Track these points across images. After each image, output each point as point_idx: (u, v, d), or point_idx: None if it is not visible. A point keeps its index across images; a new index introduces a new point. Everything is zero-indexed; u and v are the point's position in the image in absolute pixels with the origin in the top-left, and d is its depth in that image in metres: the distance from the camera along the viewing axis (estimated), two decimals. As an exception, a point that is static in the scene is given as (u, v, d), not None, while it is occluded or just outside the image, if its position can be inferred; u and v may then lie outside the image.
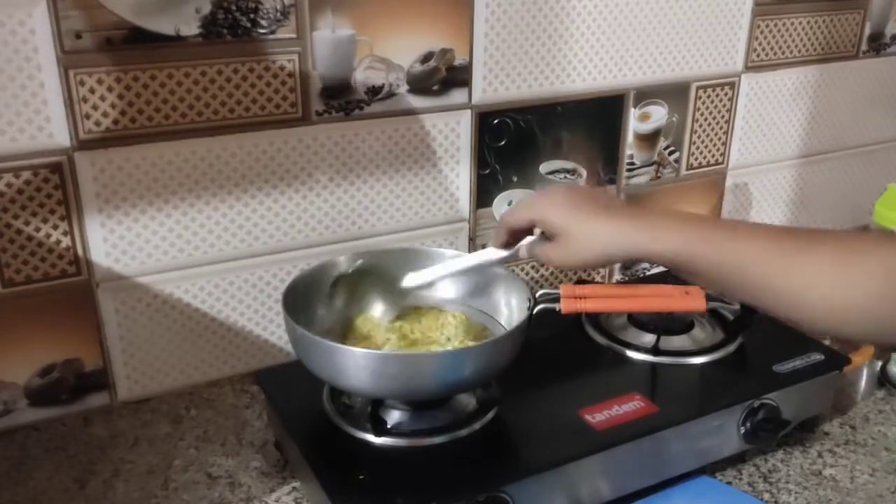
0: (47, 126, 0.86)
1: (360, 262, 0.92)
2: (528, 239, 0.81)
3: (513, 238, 0.81)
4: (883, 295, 0.58)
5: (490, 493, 0.74)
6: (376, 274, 0.93)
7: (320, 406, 0.86)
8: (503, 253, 0.83)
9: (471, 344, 0.86)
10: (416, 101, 1.05)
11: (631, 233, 0.71)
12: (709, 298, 0.86)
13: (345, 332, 0.91)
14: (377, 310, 0.93)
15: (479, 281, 0.93)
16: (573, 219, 0.74)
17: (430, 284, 0.90)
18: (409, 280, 0.90)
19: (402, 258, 0.94)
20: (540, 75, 1.12)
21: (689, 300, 0.86)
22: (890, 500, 0.86)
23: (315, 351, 0.79)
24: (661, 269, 1.33)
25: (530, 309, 0.82)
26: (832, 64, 1.40)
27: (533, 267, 1.23)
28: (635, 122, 1.23)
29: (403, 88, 1.03)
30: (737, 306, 0.99)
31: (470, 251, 1.13)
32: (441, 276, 0.89)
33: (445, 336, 0.89)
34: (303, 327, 0.79)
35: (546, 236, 0.78)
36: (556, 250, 0.75)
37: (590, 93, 1.17)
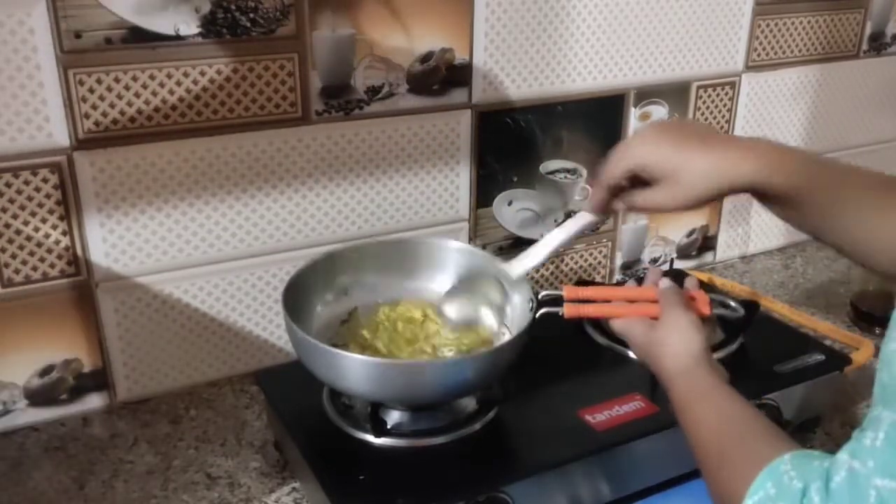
0: (46, 126, 0.86)
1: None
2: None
3: (611, 196, 0.76)
4: None
5: (490, 493, 0.74)
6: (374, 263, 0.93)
7: (320, 406, 0.86)
8: (594, 217, 0.79)
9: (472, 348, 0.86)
10: (416, 101, 1.05)
11: (742, 163, 0.67)
12: (712, 304, 0.86)
13: (346, 327, 0.90)
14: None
15: (489, 274, 0.93)
16: (680, 158, 0.69)
17: (540, 265, 0.85)
18: (516, 267, 0.85)
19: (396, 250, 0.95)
20: (540, 75, 1.12)
21: (692, 306, 0.85)
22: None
23: (315, 355, 0.79)
24: (660, 269, 1.33)
25: (533, 311, 0.82)
26: (833, 63, 1.40)
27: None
28: (636, 122, 1.23)
29: (403, 88, 1.03)
30: (740, 312, 0.98)
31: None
32: (547, 255, 0.83)
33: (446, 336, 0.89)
34: (303, 324, 0.79)
35: (642, 182, 0.73)
36: (664, 194, 0.70)
37: (590, 92, 1.17)
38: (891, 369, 0.52)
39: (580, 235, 0.83)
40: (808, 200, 0.68)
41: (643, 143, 0.72)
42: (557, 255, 1.24)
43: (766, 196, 0.69)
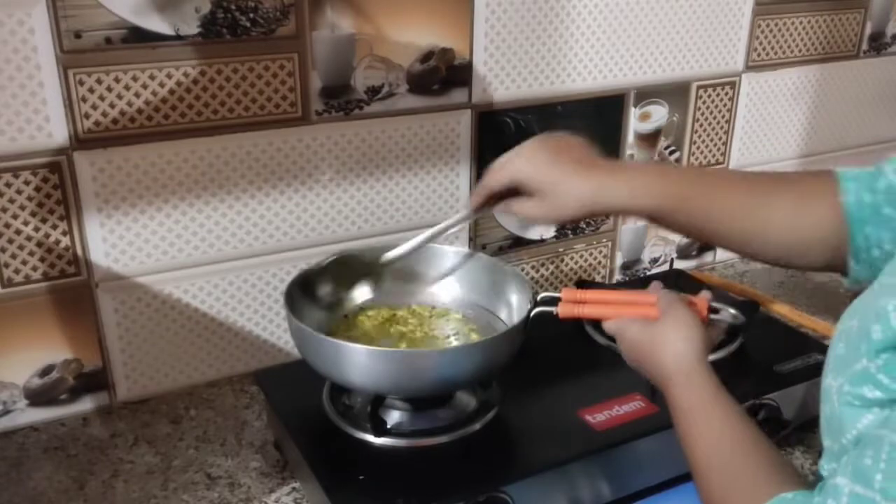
0: (46, 125, 0.86)
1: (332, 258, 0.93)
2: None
3: (490, 200, 0.80)
4: (835, 228, 0.66)
5: (490, 493, 0.74)
6: (358, 267, 0.94)
7: (320, 406, 0.86)
8: (468, 214, 0.83)
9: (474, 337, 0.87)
10: (416, 101, 1.05)
11: (611, 187, 0.72)
12: (711, 310, 0.86)
13: (346, 328, 0.90)
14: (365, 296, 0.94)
15: (483, 278, 0.93)
16: (551, 175, 0.73)
17: (407, 254, 0.90)
18: (387, 255, 0.90)
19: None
20: (540, 75, 1.12)
21: (694, 310, 0.85)
22: (891, 500, 0.86)
23: (317, 347, 0.79)
24: (661, 269, 1.33)
25: (529, 310, 0.82)
26: (833, 63, 1.40)
27: (533, 267, 1.23)
28: (636, 122, 1.23)
29: (403, 88, 1.03)
30: (741, 319, 0.98)
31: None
32: (414, 246, 0.89)
33: (446, 334, 0.89)
34: (304, 322, 0.79)
35: (523, 192, 0.77)
36: (536, 206, 0.75)
37: (590, 92, 1.17)
38: (831, 404, 0.55)
39: (451, 228, 0.87)
40: (682, 215, 0.72)
41: (524, 157, 0.76)
42: (557, 256, 1.24)
43: (641, 215, 0.75)
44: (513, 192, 0.78)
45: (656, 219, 0.74)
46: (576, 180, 0.73)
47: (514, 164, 0.76)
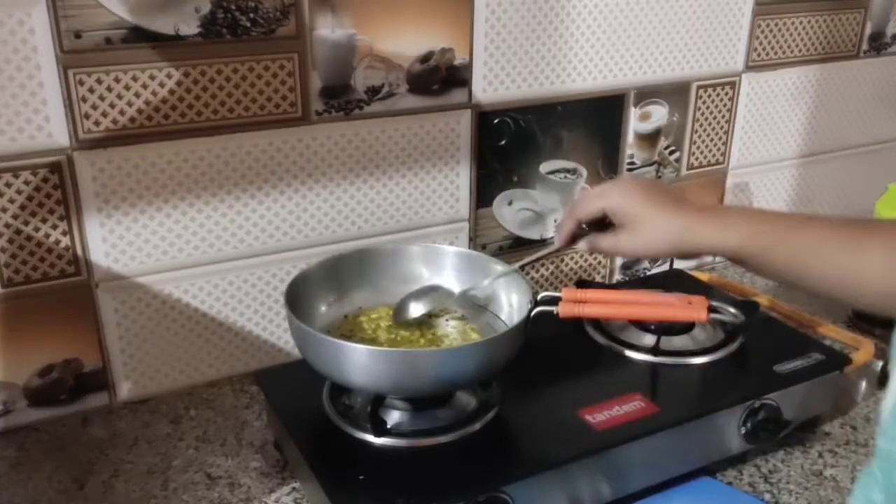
0: (46, 126, 0.86)
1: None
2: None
3: (579, 228, 0.82)
4: None
5: (490, 493, 0.74)
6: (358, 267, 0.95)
7: (320, 406, 0.86)
8: (556, 247, 0.85)
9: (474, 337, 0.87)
10: (416, 101, 1.05)
11: (700, 228, 0.74)
12: (710, 310, 0.86)
13: (348, 329, 0.90)
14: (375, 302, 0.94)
15: (483, 278, 0.93)
16: (646, 208, 0.76)
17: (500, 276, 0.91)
18: (469, 292, 0.92)
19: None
20: (540, 75, 1.12)
21: (690, 310, 0.85)
22: (891, 500, 0.86)
23: (317, 347, 0.79)
24: (661, 269, 1.33)
25: (529, 310, 0.82)
26: (833, 63, 1.40)
27: (533, 267, 1.23)
28: (636, 122, 1.23)
29: (403, 88, 1.03)
30: (741, 318, 0.98)
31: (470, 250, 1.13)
32: (509, 269, 0.90)
33: (446, 334, 0.89)
34: (305, 322, 0.80)
35: (608, 226, 0.79)
36: (625, 239, 0.77)
37: (590, 92, 1.17)
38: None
39: (535, 261, 0.91)
40: (770, 258, 0.73)
41: (620, 189, 0.79)
42: (557, 256, 1.24)
43: (728, 257, 0.75)
44: (595, 227, 0.80)
45: (744, 262, 0.75)
46: (668, 216, 0.75)
47: (608, 195, 0.78)
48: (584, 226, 0.82)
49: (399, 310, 0.90)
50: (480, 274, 0.93)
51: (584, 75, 1.16)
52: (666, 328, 0.97)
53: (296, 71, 0.96)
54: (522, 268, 0.92)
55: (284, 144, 0.99)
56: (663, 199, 0.77)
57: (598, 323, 1.01)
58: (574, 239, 0.83)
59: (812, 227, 0.72)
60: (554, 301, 0.83)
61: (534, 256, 0.92)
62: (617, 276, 1.32)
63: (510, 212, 1.17)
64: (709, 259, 1.41)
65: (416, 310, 0.89)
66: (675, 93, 1.25)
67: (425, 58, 1.03)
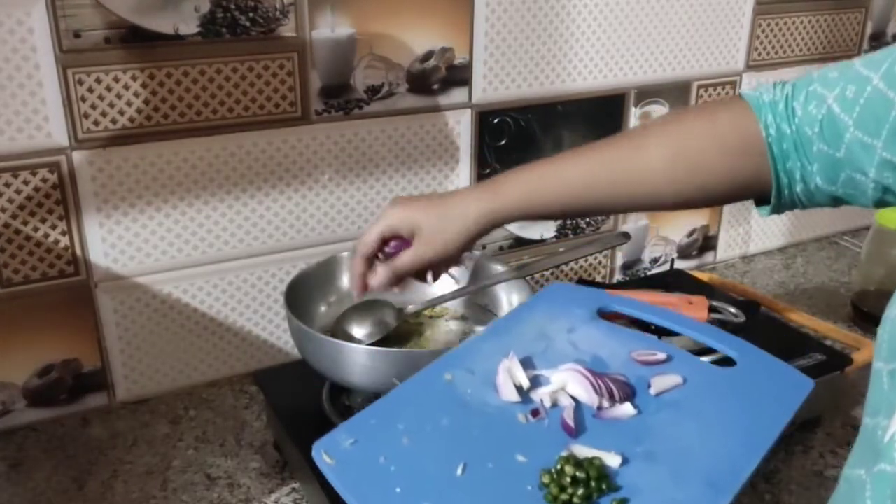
0: (45, 125, 0.86)
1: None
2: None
3: (369, 264, 0.79)
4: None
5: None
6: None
7: (320, 406, 0.86)
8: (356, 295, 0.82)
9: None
10: (416, 101, 1.04)
11: (475, 202, 0.75)
12: (710, 310, 0.86)
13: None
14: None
15: (483, 278, 0.93)
16: (428, 209, 0.76)
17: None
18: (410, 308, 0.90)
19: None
20: (540, 74, 1.12)
21: (690, 310, 0.85)
22: (892, 500, 0.86)
23: (317, 347, 0.79)
24: (661, 269, 1.33)
25: None
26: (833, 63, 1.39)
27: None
28: (636, 122, 1.23)
29: (403, 87, 1.03)
30: (741, 318, 0.98)
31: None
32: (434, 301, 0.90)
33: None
34: (305, 322, 0.80)
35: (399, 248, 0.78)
36: (416, 249, 0.76)
37: (590, 92, 1.17)
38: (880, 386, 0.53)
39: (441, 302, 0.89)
40: (547, 211, 0.75)
41: (391, 208, 0.78)
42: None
43: (517, 218, 0.76)
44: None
45: (529, 215, 0.76)
46: (444, 207, 0.75)
47: (384, 218, 0.78)
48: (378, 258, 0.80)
49: (339, 327, 0.87)
50: (480, 274, 0.93)
51: (584, 75, 1.15)
52: (666, 328, 0.97)
53: (295, 70, 0.96)
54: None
55: (284, 144, 0.98)
56: (437, 198, 0.78)
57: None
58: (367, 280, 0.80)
59: (590, 150, 0.73)
60: None
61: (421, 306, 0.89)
62: (617, 276, 1.32)
63: (510, 212, 1.17)
64: (709, 259, 1.41)
65: (359, 332, 0.87)
66: (675, 92, 1.25)
67: (425, 57, 1.03)
